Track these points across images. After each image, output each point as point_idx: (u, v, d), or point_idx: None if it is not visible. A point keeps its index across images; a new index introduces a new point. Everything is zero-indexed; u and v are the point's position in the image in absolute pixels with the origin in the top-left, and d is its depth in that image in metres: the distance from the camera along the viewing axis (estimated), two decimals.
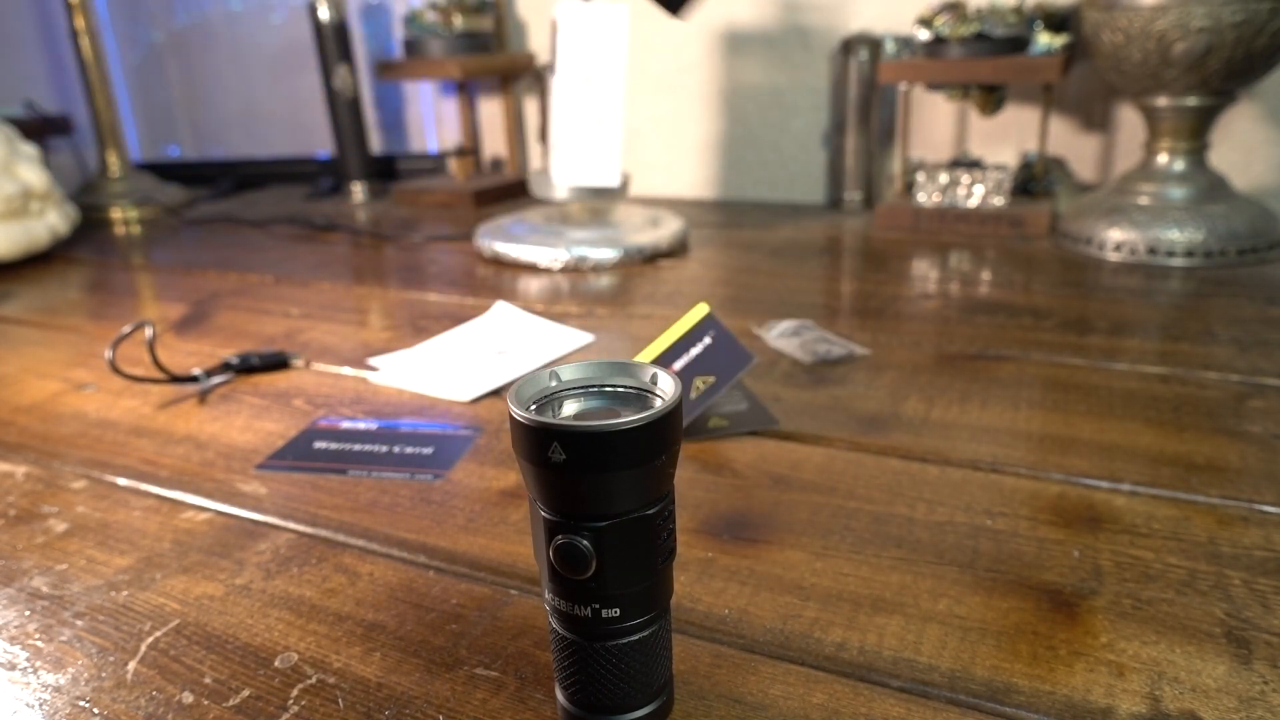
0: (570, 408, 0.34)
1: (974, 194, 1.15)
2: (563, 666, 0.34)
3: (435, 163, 1.69)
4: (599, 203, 1.15)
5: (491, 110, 1.61)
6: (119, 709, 0.39)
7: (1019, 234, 1.12)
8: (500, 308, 0.91)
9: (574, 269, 1.06)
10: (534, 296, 0.97)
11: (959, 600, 0.43)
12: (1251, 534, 0.47)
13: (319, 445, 0.63)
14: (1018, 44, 1.12)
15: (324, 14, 1.48)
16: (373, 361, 0.78)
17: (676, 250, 1.12)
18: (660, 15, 1.16)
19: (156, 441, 0.65)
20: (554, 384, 0.34)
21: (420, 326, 0.88)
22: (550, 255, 1.06)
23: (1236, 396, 0.64)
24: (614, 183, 1.07)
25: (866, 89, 1.28)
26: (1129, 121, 1.20)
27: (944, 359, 0.73)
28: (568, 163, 1.07)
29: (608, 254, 1.06)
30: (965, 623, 0.41)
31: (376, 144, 1.74)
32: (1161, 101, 1.00)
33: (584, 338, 0.82)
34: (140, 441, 0.65)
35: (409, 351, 0.80)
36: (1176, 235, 0.98)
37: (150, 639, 0.43)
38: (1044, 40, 1.09)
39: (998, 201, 1.15)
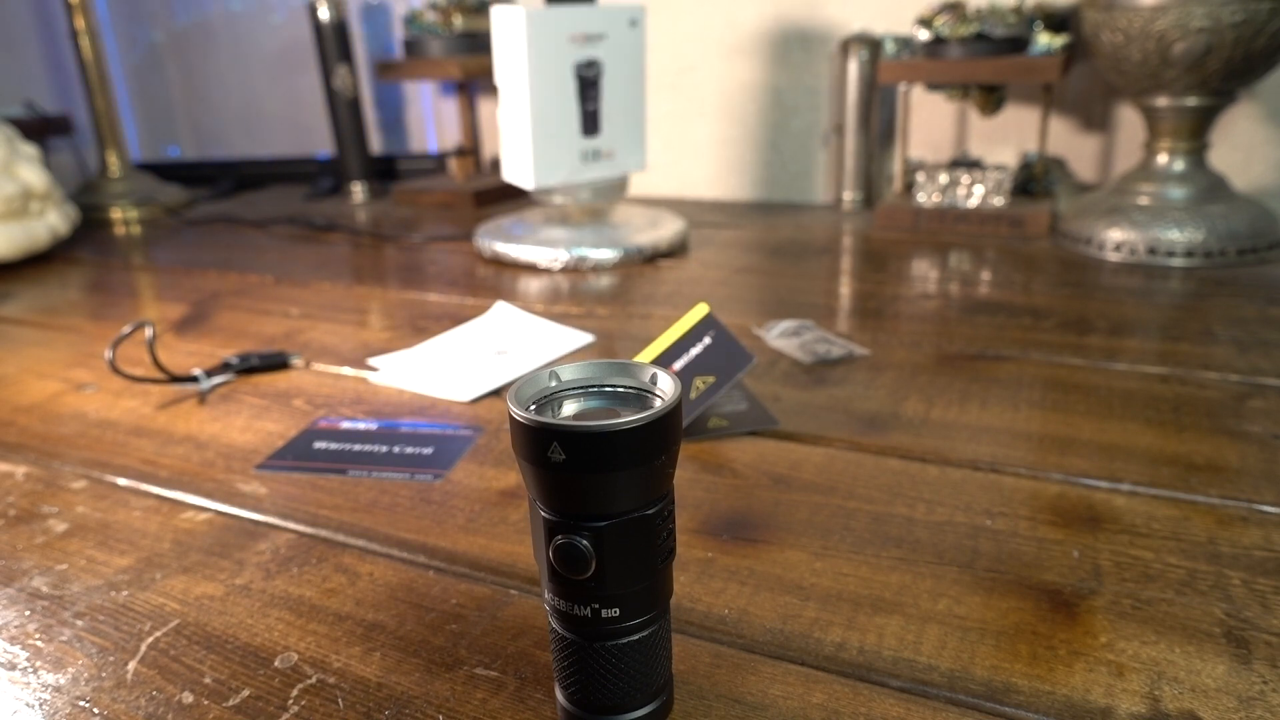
0: (570, 408, 0.34)
1: (974, 194, 1.15)
2: (562, 666, 0.34)
3: (435, 163, 1.69)
4: (599, 203, 1.15)
5: (491, 110, 1.61)
6: (119, 709, 0.39)
7: (1019, 234, 1.12)
8: (500, 308, 0.91)
9: (574, 269, 1.06)
10: (534, 296, 0.97)
11: (959, 600, 0.43)
12: (1251, 534, 0.47)
13: (319, 445, 0.63)
14: (1018, 44, 1.12)
15: (324, 14, 1.48)
16: (373, 361, 0.78)
17: (676, 250, 1.12)
18: (661, 16, 1.16)
19: (156, 441, 0.65)
20: (554, 384, 0.34)
21: (420, 326, 0.88)
22: (550, 255, 1.06)
23: (1236, 396, 0.64)
24: (529, 185, 1.07)
25: (866, 89, 1.28)
26: (1129, 121, 1.20)
27: (944, 359, 0.74)
28: (508, 161, 1.10)
29: (608, 254, 1.06)
30: (965, 623, 0.42)
31: (376, 144, 1.74)
32: (1161, 101, 1.00)
33: (584, 338, 0.82)
34: (140, 441, 0.65)
35: (409, 351, 0.80)
36: (1176, 235, 0.98)
37: (150, 639, 0.43)
38: (1044, 40, 1.09)
39: (998, 201, 1.15)
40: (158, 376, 0.73)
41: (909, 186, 1.24)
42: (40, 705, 0.39)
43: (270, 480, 0.59)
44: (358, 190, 1.57)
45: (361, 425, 0.66)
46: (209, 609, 0.45)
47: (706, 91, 1.43)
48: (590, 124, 1.07)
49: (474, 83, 1.57)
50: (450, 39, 1.44)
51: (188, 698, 0.39)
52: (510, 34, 1.01)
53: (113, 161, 1.57)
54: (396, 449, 0.62)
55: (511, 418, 0.31)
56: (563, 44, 1.03)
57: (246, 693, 0.39)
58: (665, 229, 1.13)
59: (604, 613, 0.32)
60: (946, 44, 1.14)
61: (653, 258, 1.09)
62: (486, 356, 0.78)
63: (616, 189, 1.15)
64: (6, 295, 1.07)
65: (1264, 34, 0.91)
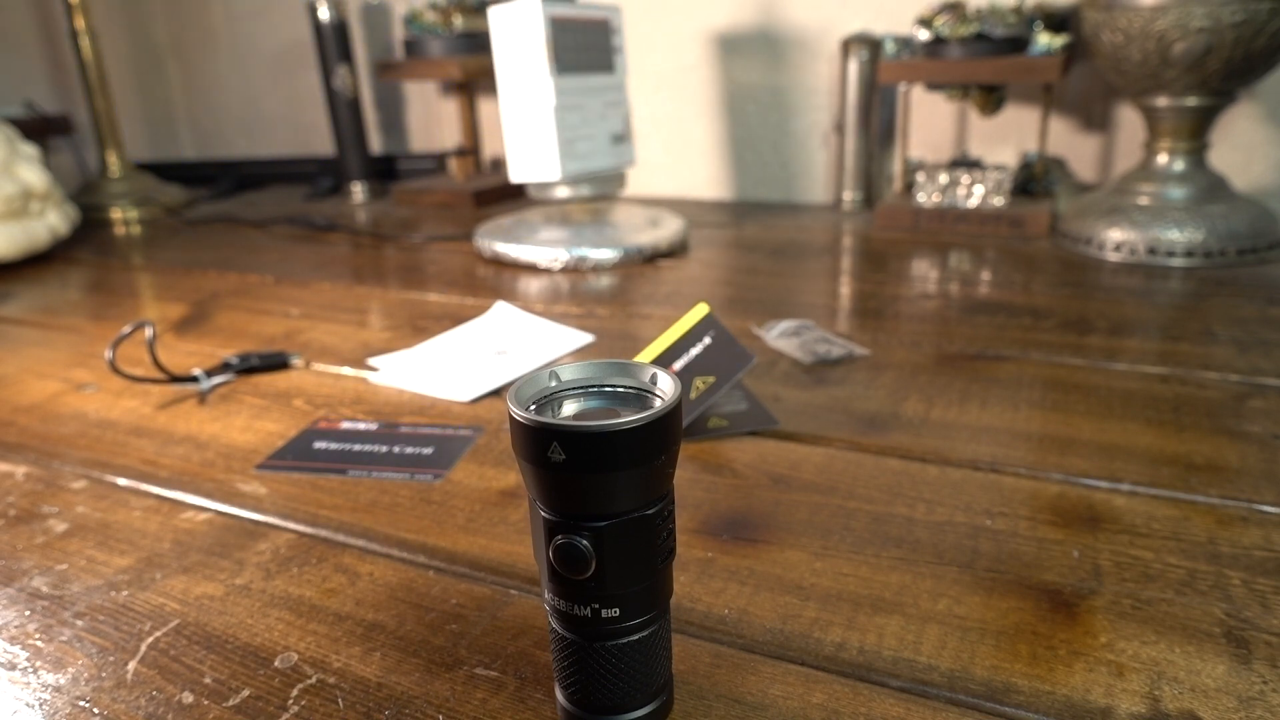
0: (570, 408, 0.34)
1: (974, 194, 1.15)
2: (562, 666, 0.34)
3: (435, 163, 1.69)
4: (599, 203, 1.15)
5: (491, 110, 1.61)
6: (119, 709, 0.39)
7: (1019, 234, 1.12)
8: (500, 308, 0.91)
9: (574, 269, 1.06)
10: (534, 296, 0.97)
11: (959, 600, 0.43)
12: (1251, 534, 0.47)
13: (319, 445, 0.63)
14: (1018, 44, 1.12)
15: (324, 14, 1.48)
16: (373, 361, 0.78)
17: (676, 250, 1.12)
18: (661, 16, 1.16)
19: (156, 441, 0.65)
20: (554, 384, 0.34)
21: (420, 326, 0.88)
22: (550, 255, 1.06)
23: (1236, 396, 0.64)
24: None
25: (866, 89, 1.28)
26: (1129, 121, 1.20)
27: (944, 359, 0.73)
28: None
29: (608, 254, 1.06)
30: (965, 623, 0.42)
31: (376, 144, 1.74)
32: (1161, 101, 1.00)
33: (584, 338, 0.82)
34: (140, 441, 0.65)
35: (409, 352, 0.80)
36: (1176, 235, 0.98)
37: (150, 639, 0.43)
38: (1044, 40, 1.09)
39: (998, 201, 1.15)
40: (158, 376, 0.73)
41: (909, 186, 1.24)
42: (40, 705, 0.39)
43: (270, 480, 0.59)
44: (358, 190, 1.57)
45: (361, 425, 0.66)
46: (209, 609, 0.45)
47: (706, 91, 1.43)
48: None
49: (474, 83, 1.57)
50: (450, 39, 1.44)
51: (188, 698, 0.39)
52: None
53: (113, 161, 1.57)
54: (396, 449, 0.62)
55: (511, 418, 0.31)
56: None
57: (246, 693, 0.39)
58: (665, 229, 1.13)
59: (604, 613, 0.32)
60: (946, 44, 1.14)
61: (653, 258, 1.09)
62: (486, 356, 0.78)
63: (614, 185, 1.15)
64: (6, 295, 1.07)
65: (1264, 34, 0.91)
